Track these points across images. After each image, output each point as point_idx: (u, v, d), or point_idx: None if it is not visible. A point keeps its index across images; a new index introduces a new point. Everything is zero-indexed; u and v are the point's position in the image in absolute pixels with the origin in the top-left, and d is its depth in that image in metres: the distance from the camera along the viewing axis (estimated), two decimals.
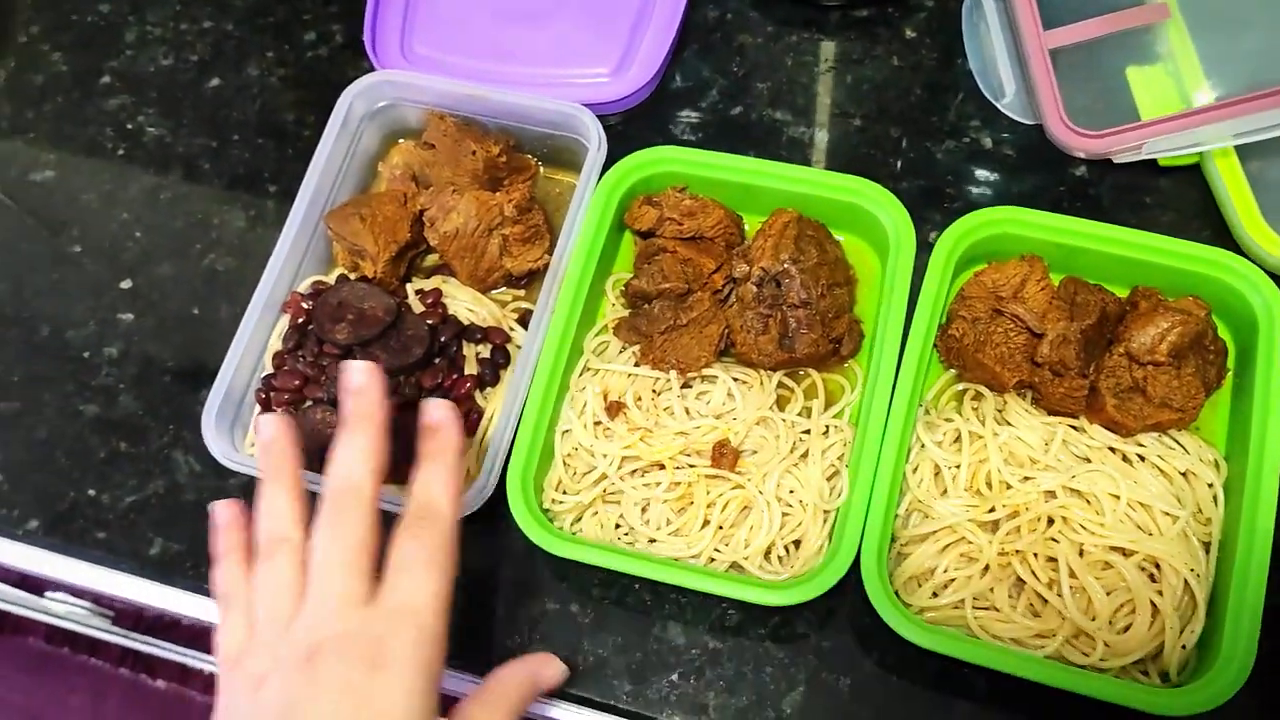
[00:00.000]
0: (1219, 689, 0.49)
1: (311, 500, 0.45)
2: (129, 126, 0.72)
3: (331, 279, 0.63)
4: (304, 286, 0.62)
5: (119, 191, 0.70)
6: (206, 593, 0.60)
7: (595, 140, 0.63)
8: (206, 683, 1.35)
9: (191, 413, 0.63)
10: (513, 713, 0.48)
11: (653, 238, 0.63)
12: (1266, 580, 0.51)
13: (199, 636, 1.31)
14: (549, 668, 0.52)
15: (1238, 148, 0.63)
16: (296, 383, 0.58)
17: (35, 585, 1.12)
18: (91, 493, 0.62)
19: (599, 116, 0.68)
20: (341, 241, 0.63)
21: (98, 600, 1.12)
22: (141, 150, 0.71)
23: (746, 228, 0.64)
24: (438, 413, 0.47)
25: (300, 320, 0.60)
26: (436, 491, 0.45)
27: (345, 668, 0.40)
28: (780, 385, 0.60)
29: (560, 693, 0.56)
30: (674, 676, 0.56)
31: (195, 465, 0.62)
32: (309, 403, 0.59)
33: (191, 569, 0.60)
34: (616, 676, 0.56)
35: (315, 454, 0.57)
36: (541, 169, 0.67)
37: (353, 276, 0.63)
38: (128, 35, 0.75)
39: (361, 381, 0.46)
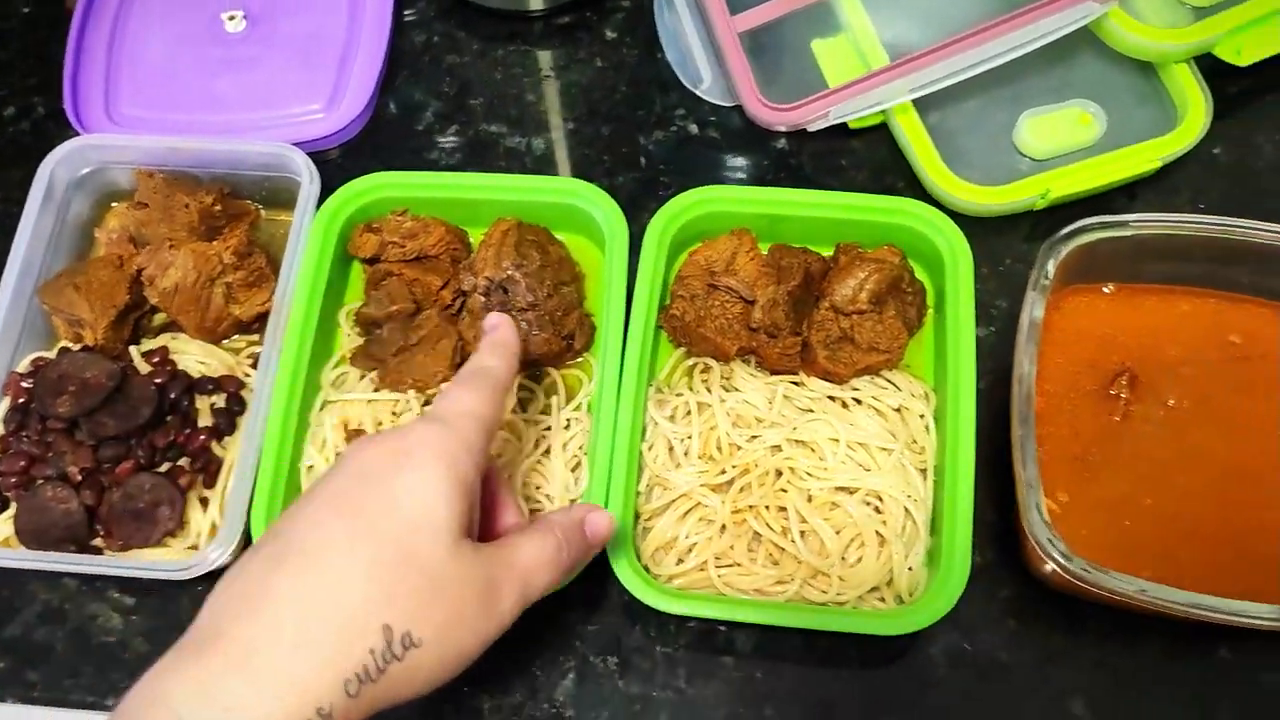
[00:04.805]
0: (941, 602, 0.53)
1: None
2: None
3: (54, 354, 0.62)
4: (23, 366, 0.61)
5: None
6: None
7: (306, 175, 0.63)
8: None
9: None
10: (565, 543, 0.45)
11: (378, 263, 0.64)
12: (974, 496, 0.55)
13: None
14: (596, 514, 0.48)
15: (916, 103, 0.68)
16: (23, 464, 0.57)
17: None
18: None
19: (320, 152, 0.69)
20: (58, 313, 0.61)
21: None
22: None
23: (474, 242, 0.66)
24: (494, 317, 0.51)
25: (21, 400, 0.59)
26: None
27: (361, 451, 0.42)
28: (521, 387, 0.62)
29: None
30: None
31: None
32: (39, 481, 0.57)
33: None
34: None
35: (48, 532, 0.56)
36: (263, 212, 0.67)
37: (75, 348, 0.61)
38: None
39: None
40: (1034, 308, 0.55)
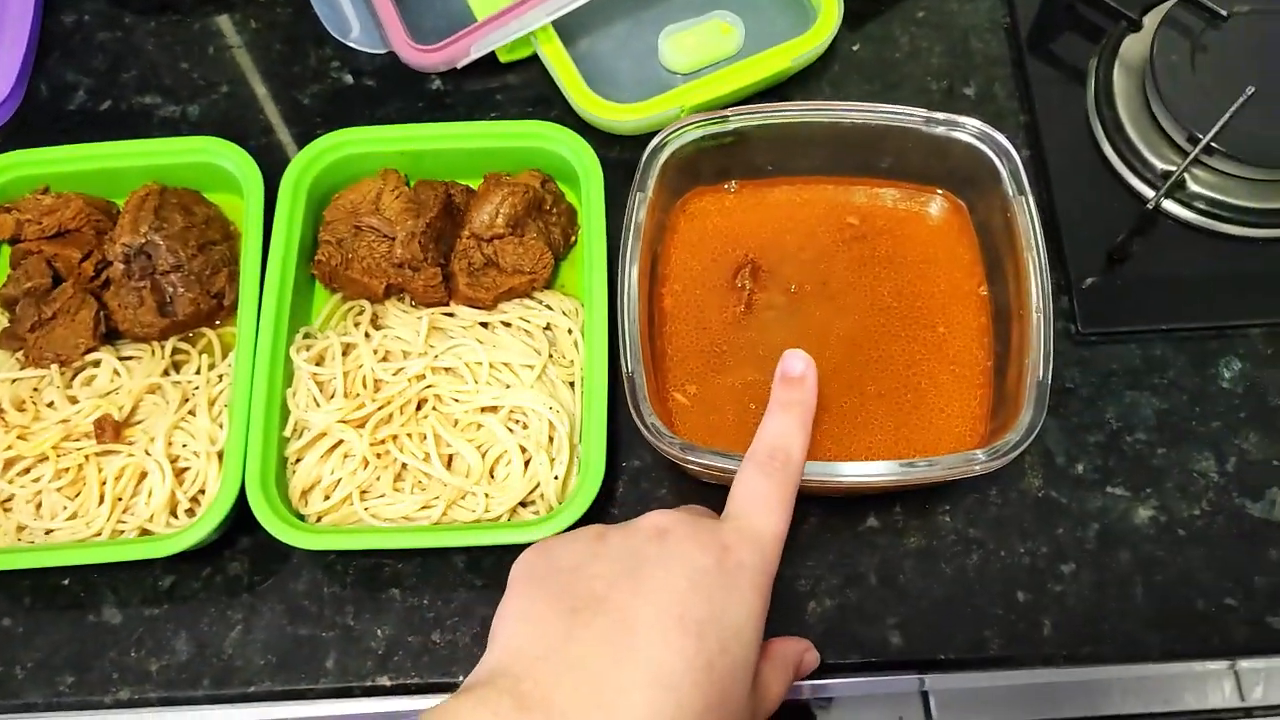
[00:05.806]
0: (578, 504, 0.54)
1: None
2: None
3: None
4: None
5: None
6: None
7: None
8: None
9: None
10: (790, 677, 0.47)
11: (19, 243, 0.63)
12: (607, 403, 0.56)
13: None
14: (811, 653, 0.51)
15: (567, 32, 0.69)
16: None
17: None
18: None
19: None
20: None
21: None
22: None
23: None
24: (800, 364, 0.48)
25: None
26: (792, 440, 0.46)
27: (693, 549, 0.41)
28: (176, 351, 0.61)
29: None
30: (113, 654, 0.56)
31: None
32: None
33: None
34: (57, 673, 0.56)
35: None
36: None
37: None
38: None
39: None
40: (637, 211, 0.56)
